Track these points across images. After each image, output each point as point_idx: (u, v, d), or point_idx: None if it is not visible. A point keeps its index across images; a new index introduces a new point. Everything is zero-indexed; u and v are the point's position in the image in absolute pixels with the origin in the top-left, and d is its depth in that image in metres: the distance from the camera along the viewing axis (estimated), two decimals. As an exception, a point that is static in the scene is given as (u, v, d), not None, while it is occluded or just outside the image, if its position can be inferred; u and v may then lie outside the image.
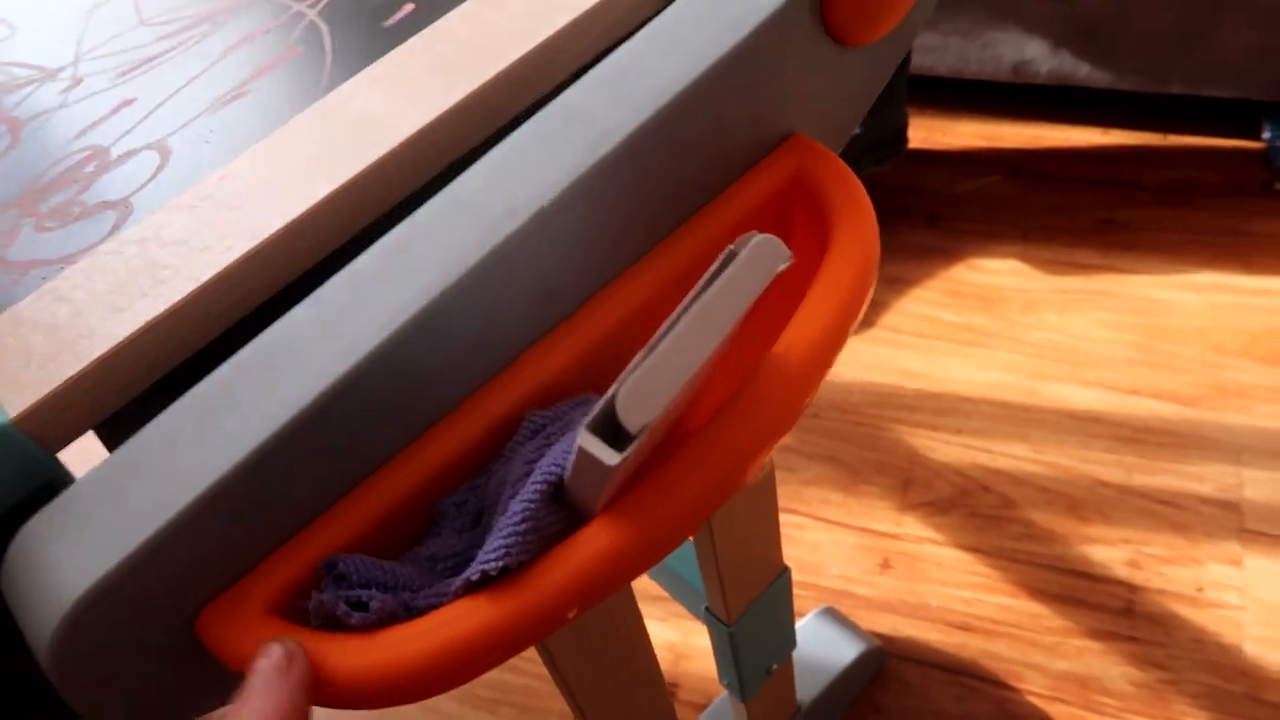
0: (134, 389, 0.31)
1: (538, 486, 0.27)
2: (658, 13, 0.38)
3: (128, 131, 0.40)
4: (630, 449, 0.24)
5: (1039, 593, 0.90)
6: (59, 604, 0.26)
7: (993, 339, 1.09)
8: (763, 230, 0.35)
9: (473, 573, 0.27)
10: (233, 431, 0.28)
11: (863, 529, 0.97)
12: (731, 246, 0.28)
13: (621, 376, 0.26)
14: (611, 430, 0.25)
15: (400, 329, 0.29)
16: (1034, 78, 1.20)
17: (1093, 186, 1.22)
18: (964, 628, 0.89)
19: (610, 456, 0.24)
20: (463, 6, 0.39)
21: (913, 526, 0.96)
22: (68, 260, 0.35)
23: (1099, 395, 1.02)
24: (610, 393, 0.25)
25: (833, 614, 0.88)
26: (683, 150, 0.33)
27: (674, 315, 0.26)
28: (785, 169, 0.36)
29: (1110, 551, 0.91)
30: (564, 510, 0.28)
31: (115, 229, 0.35)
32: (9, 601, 0.29)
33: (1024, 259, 1.16)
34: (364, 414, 0.29)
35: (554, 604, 0.26)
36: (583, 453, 0.24)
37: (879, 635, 0.90)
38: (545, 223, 0.31)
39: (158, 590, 0.27)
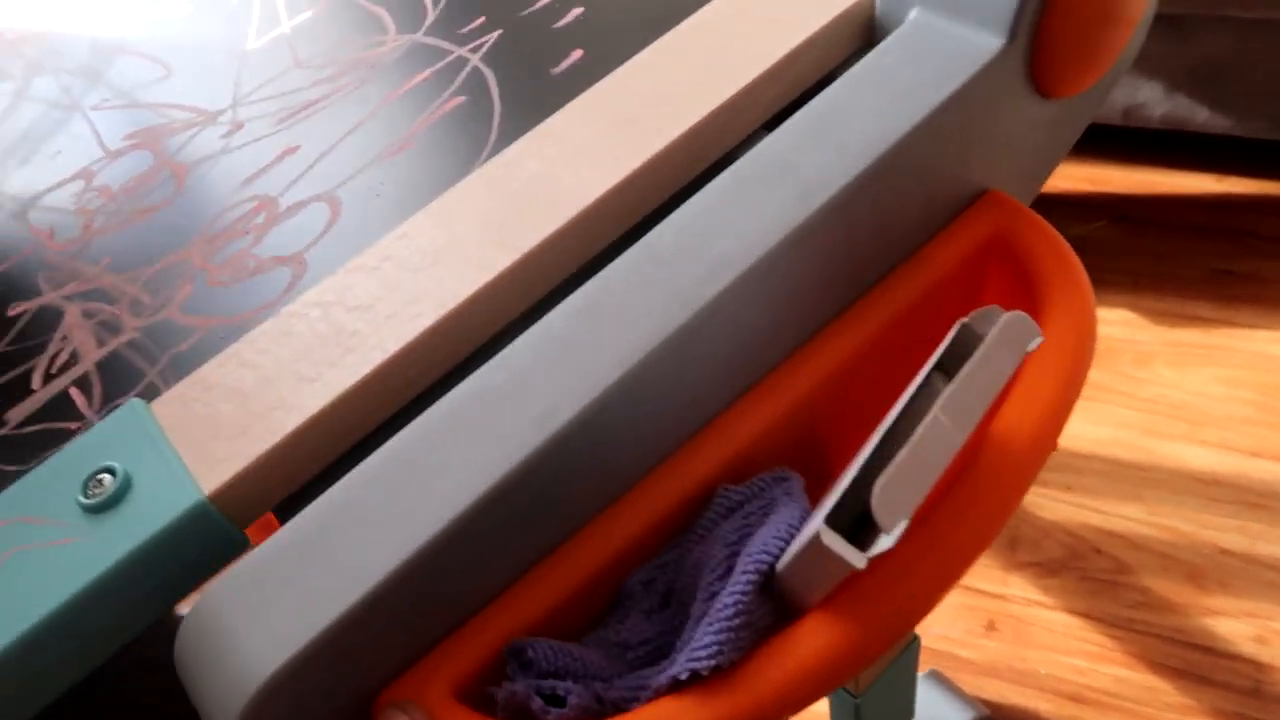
0: (324, 462, 0.30)
1: (750, 578, 0.25)
2: (846, 61, 0.37)
3: (294, 181, 0.39)
4: (880, 548, 0.22)
5: (1157, 666, 0.86)
6: (243, 687, 0.25)
7: (1104, 392, 1.04)
8: (956, 291, 0.33)
9: (680, 670, 0.25)
10: (421, 506, 0.26)
11: (967, 588, 0.93)
12: (965, 321, 0.26)
13: (855, 464, 0.24)
14: (849, 524, 0.23)
15: (601, 395, 0.27)
16: (1146, 121, 1.17)
17: (1206, 235, 1.18)
18: (1076, 699, 0.85)
19: (857, 558, 0.22)
20: (639, 57, 0.38)
21: (1020, 588, 0.92)
22: (246, 318, 0.34)
23: (1218, 456, 0.97)
24: (845, 484, 0.23)
25: (939, 678, 0.85)
26: (886, 205, 0.32)
27: (909, 397, 0.25)
28: (984, 227, 0.35)
29: (1235, 625, 0.86)
30: (772, 601, 0.26)
31: (292, 286, 0.35)
32: (181, 671, 0.28)
33: (1134, 309, 1.12)
34: (554, 486, 0.28)
35: (774, 706, 0.25)
36: (820, 549, 0.23)
37: (984, 702, 0.86)
38: (750, 281, 0.29)
39: (342, 671, 0.26)
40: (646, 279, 0.29)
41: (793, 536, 0.26)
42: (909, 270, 0.34)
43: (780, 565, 0.25)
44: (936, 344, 0.26)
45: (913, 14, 0.34)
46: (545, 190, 0.34)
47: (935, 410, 0.23)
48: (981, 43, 0.32)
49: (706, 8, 0.39)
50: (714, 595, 0.26)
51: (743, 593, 0.25)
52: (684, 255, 0.30)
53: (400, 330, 0.31)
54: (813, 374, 0.32)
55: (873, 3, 0.37)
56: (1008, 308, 0.34)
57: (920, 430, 0.22)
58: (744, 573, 0.26)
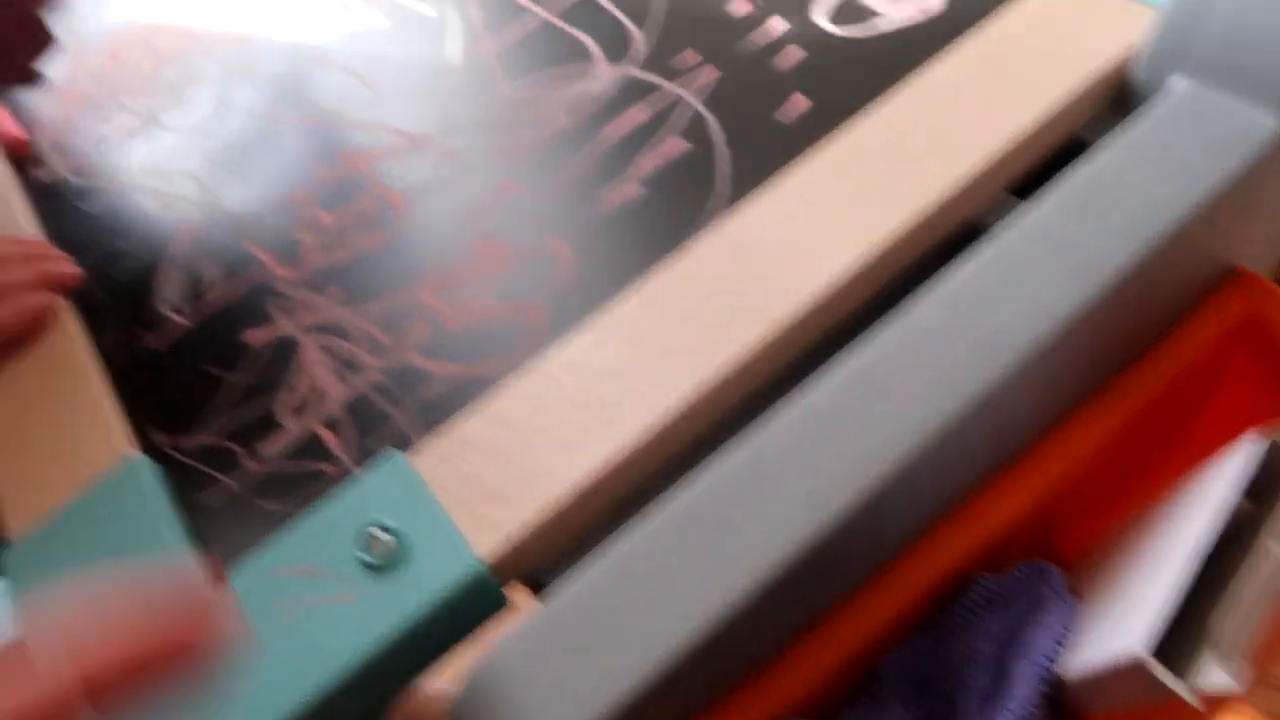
0: (583, 531, 0.31)
1: (1038, 688, 0.26)
2: (1106, 118, 0.36)
3: (518, 221, 0.40)
4: (1216, 685, 0.22)
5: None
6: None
7: None
8: (1201, 377, 0.33)
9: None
10: (703, 584, 0.27)
11: None
12: (1276, 439, 0.25)
13: (1153, 583, 0.24)
14: (1162, 648, 0.23)
15: (876, 479, 0.28)
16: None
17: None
18: None
19: (1189, 695, 0.22)
20: (875, 113, 0.37)
21: None
22: (487, 368, 0.35)
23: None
24: (1153, 605, 0.23)
25: None
26: (1152, 284, 0.31)
27: (1213, 519, 0.24)
28: (1235, 309, 0.34)
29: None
30: (1049, 703, 0.27)
31: (532, 338, 0.35)
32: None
33: None
34: (823, 567, 0.28)
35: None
36: (1142, 676, 0.23)
37: None
38: (1025, 364, 0.29)
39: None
40: (917, 357, 0.29)
41: (1068, 640, 0.27)
42: (1159, 355, 0.33)
43: (1071, 675, 0.26)
44: (1177, 431, 0.25)
45: (1180, 84, 0.33)
46: (789, 256, 0.34)
47: (1267, 542, 0.22)
48: (1261, 121, 0.31)
49: (943, 61, 0.38)
50: (990, 698, 0.27)
51: (1033, 705, 0.25)
52: (956, 333, 0.29)
53: (656, 403, 0.31)
54: (1063, 461, 0.32)
55: (1129, 67, 0.35)
56: (1258, 395, 0.34)
57: (1257, 567, 0.22)
58: (1030, 681, 0.26)
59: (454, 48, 0.49)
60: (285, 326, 0.40)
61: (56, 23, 0.53)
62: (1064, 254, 0.30)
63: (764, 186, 0.37)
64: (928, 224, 0.34)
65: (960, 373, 0.29)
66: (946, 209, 0.34)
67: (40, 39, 0.44)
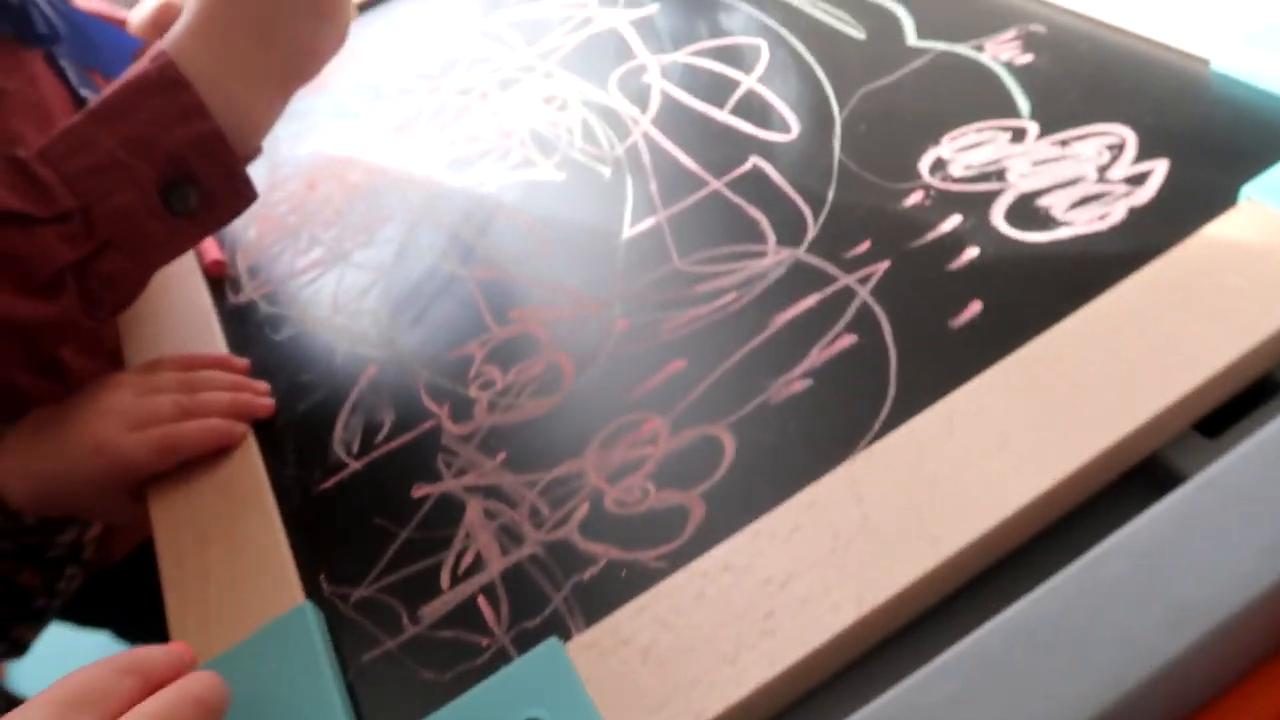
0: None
1: None
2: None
3: (684, 404, 0.41)
4: None
5: None
6: None
7: None
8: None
9: None
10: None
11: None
12: None
13: None
14: None
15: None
16: None
17: None
18: None
19: None
20: (1056, 331, 0.37)
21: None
22: (646, 557, 0.36)
23: None
24: None
25: None
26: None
27: None
28: None
29: None
30: None
31: (692, 531, 0.36)
32: None
33: None
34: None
35: None
36: None
37: None
38: (1209, 638, 0.28)
39: None
40: (1093, 614, 0.28)
41: None
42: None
43: None
44: None
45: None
46: (966, 479, 0.33)
47: None
48: None
49: (1131, 283, 0.37)
50: None
51: None
52: (1138, 594, 0.28)
53: (818, 621, 0.31)
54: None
55: (1334, 310, 0.34)
56: None
57: None
58: None
59: (628, 211, 0.51)
60: (452, 485, 0.42)
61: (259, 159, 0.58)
62: (1258, 522, 0.29)
63: (935, 394, 0.36)
64: (1109, 457, 0.33)
65: (1141, 643, 0.28)
66: (1130, 443, 0.33)
67: (245, 196, 0.48)
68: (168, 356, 0.52)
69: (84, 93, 0.61)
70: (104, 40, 0.65)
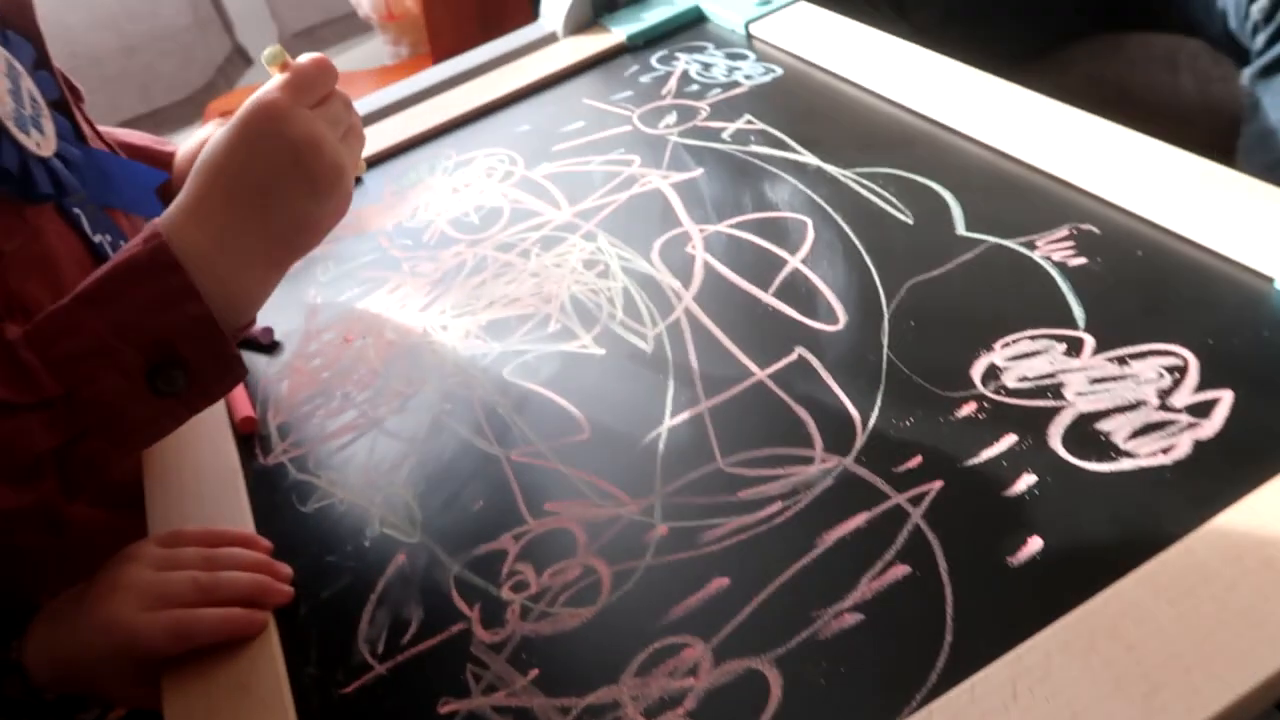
0: None
1: None
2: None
3: (724, 635, 0.39)
4: None
5: None
6: None
7: None
8: None
9: None
10: None
11: None
12: None
13: None
14: None
15: None
16: None
17: None
18: None
19: None
20: (1124, 588, 0.35)
21: None
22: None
23: None
24: None
25: None
26: None
27: None
28: None
29: None
30: None
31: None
32: None
33: None
34: None
35: None
36: None
37: None
38: None
39: None
40: None
41: None
42: None
43: None
44: None
45: None
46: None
47: None
48: None
49: (1202, 536, 0.35)
50: None
51: None
52: None
53: None
54: None
55: None
56: None
57: None
58: None
59: (669, 398, 0.50)
60: (481, 703, 0.40)
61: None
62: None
63: (995, 644, 0.35)
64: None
65: None
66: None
67: (235, 374, 0.48)
68: (190, 530, 0.50)
69: (98, 238, 0.60)
70: (125, 177, 0.65)
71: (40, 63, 0.61)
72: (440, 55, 1.63)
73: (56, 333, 0.45)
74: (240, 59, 2.30)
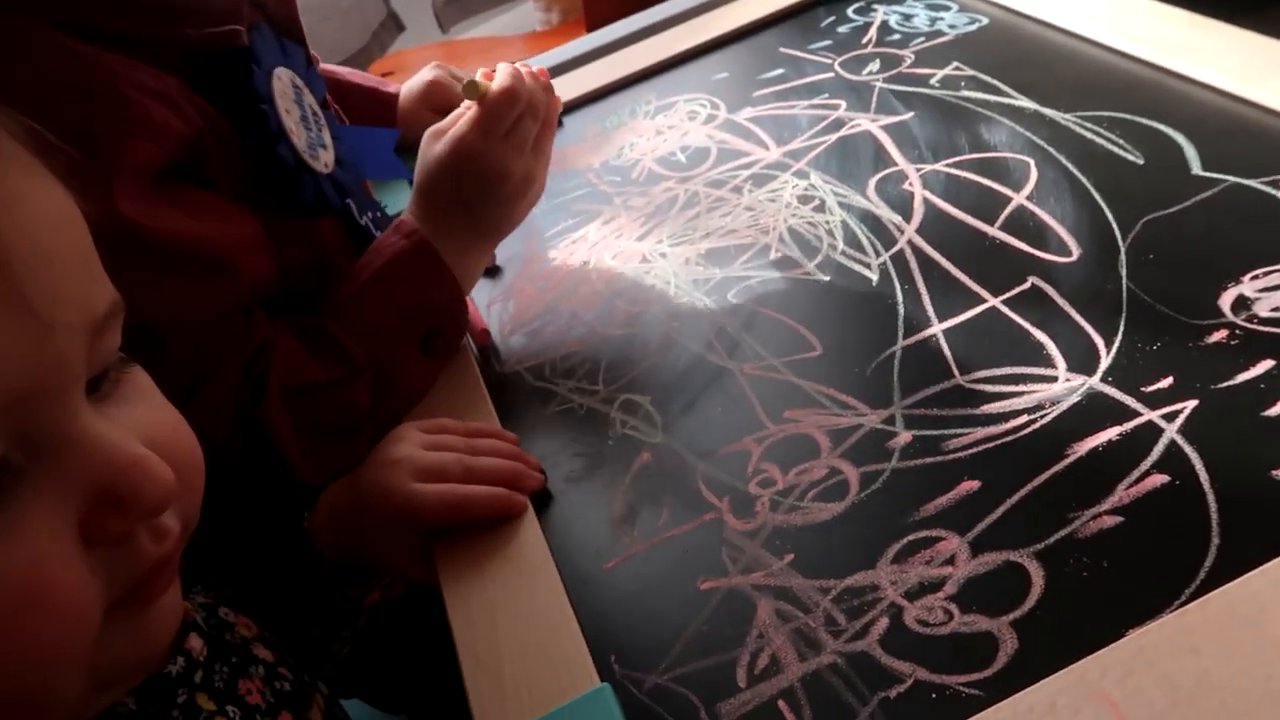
0: None
1: None
2: None
3: (981, 527, 0.41)
4: None
5: None
6: None
7: None
8: None
9: None
10: None
11: None
12: None
13: None
14: None
15: None
16: None
17: None
18: None
19: None
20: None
21: None
22: (958, 682, 0.36)
23: None
24: None
25: None
26: None
27: None
28: None
29: None
30: None
31: (1008, 670, 0.36)
32: None
33: None
34: None
35: None
36: None
37: None
38: None
39: None
40: None
41: None
42: None
43: None
44: None
45: None
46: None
47: None
48: None
49: None
50: None
51: None
52: None
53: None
54: None
55: None
56: None
57: None
58: None
59: (900, 321, 0.52)
60: (739, 581, 0.43)
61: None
62: None
63: (1264, 549, 0.36)
64: None
65: None
66: None
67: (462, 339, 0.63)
68: (449, 420, 0.55)
69: (364, 220, 0.65)
70: (371, 149, 0.69)
71: (309, 60, 0.63)
72: (595, 23, 1.65)
73: (358, 311, 0.57)
74: (394, 25, 2.39)
